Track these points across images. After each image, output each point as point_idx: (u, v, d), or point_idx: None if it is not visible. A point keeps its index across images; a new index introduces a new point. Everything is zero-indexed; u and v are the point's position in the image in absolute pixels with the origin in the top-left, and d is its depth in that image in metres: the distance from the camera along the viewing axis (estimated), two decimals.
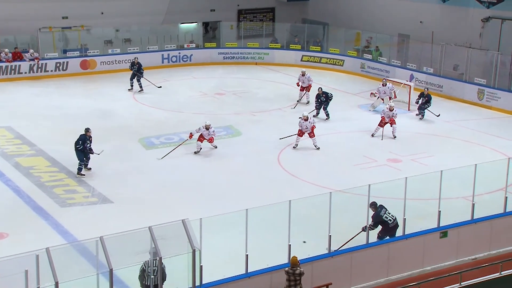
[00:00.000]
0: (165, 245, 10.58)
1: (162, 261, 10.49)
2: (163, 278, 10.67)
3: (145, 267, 10.64)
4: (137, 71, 26.13)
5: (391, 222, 13.00)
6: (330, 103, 22.63)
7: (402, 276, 12.94)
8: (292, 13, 35.70)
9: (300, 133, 19.58)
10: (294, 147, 19.66)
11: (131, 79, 26.38)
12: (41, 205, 15.64)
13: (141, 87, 26.23)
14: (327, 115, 22.57)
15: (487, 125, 21.83)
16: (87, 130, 17.52)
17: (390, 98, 23.38)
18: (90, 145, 17.40)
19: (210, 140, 19.13)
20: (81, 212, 15.40)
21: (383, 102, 23.52)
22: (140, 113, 23.60)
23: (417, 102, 22.87)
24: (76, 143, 17.33)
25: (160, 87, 26.77)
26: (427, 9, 29.35)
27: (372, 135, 20.66)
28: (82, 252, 11.08)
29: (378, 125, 20.65)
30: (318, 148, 19.65)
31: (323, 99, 22.47)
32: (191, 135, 19.20)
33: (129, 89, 26.44)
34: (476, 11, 27.01)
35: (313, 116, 21.67)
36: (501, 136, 21.09)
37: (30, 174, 17.51)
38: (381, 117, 20.65)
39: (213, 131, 19.05)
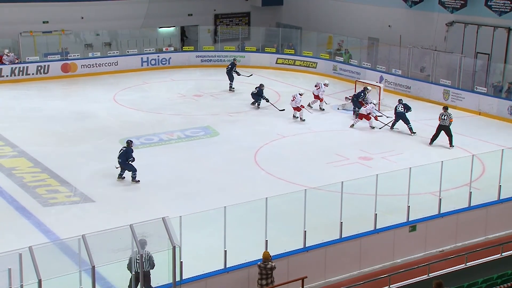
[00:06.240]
0: (146, 242, 10.89)
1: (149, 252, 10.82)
2: (152, 266, 10.99)
3: (133, 256, 10.81)
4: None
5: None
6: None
7: (374, 268, 13.37)
8: (267, 18, 36.19)
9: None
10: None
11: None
12: (23, 205, 15.77)
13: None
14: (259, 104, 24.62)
15: (452, 124, 22.26)
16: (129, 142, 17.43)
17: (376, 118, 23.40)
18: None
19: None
20: (63, 211, 15.57)
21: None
22: (120, 115, 23.80)
23: None
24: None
25: (251, 75, 28.08)
26: (395, 13, 30.08)
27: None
28: (64, 250, 11.25)
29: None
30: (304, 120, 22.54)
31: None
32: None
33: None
34: (440, 16, 27.78)
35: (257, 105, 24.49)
36: (465, 135, 21.61)
37: (12, 175, 17.62)
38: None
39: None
